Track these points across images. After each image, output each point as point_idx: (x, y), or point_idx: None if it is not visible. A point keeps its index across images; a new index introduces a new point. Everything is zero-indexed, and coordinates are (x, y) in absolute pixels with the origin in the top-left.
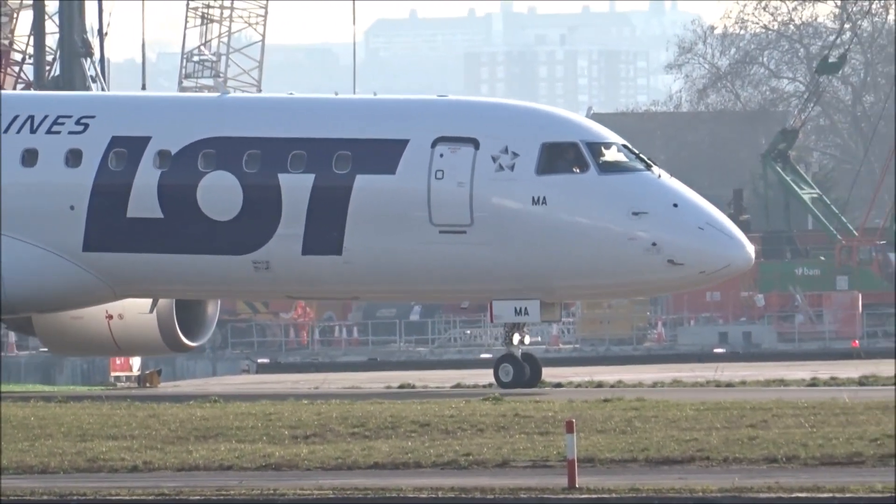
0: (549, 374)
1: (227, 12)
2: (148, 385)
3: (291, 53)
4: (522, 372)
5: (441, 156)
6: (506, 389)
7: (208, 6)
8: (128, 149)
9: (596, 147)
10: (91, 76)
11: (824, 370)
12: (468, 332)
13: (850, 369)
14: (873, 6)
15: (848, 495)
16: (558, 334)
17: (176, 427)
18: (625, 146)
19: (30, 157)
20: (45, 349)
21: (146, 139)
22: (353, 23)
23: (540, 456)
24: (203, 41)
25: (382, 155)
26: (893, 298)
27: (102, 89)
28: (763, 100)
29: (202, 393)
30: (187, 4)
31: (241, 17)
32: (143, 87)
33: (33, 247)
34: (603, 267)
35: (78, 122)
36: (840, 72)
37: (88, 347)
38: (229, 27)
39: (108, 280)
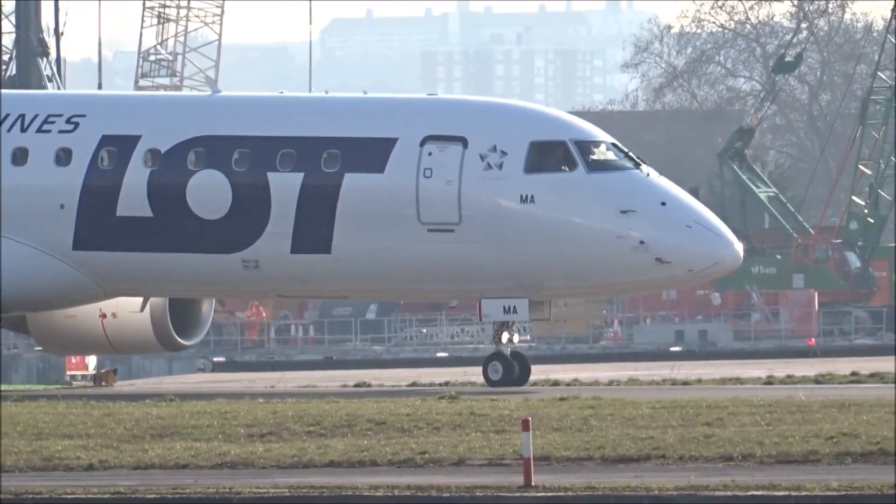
0: None
1: (183, 12)
2: (104, 384)
3: (248, 52)
4: (512, 370)
5: (430, 154)
6: (496, 388)
7: (164, 6)
8: (118, 147)
9: (584, 145)
10: (47, 75)
11: (780, 368)
12: (424, 330)
13: (807, 367)
14: (829, 5)
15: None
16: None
17: (132, 426)
18: (614, 144)
19: (20, 156)
20: (39, 348)
21: (136, 138)
22: (310, 22)
23: (496, 454)
24: (159, 40)
25: (371, 153)
26: (849, 297)
27: (58, 88)
28: (719, 99)
29: (158, 392)
30: (143, 4)
31: (198, 16)
32: (100, 87)
33: (24, 246)
34: (591, 265)
35: (68, 121)
36: (796, 71)
37: (82, 346)
38: (186, 26)
39: (99, 279)
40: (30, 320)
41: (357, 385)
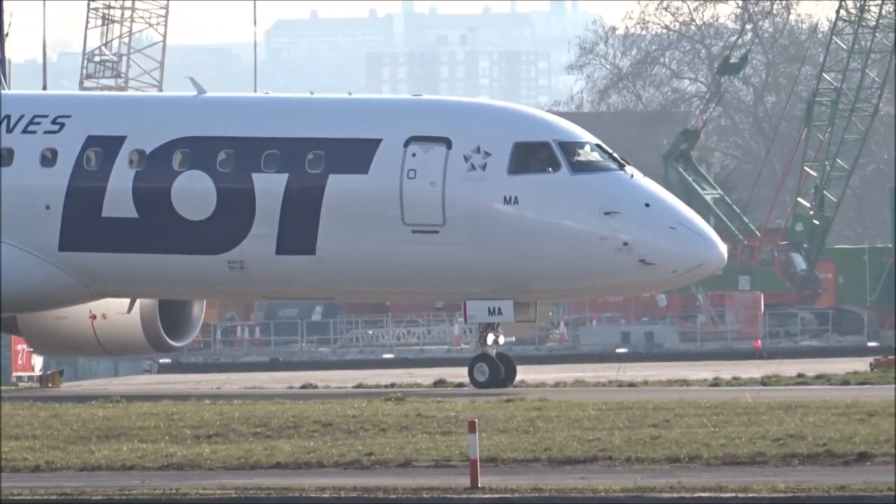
0: (450, 374)
1: (128, 13)
2: (50, 385)
3: (192, 54)
4: (498, 372)
5: (413, 155)
6: (482, 389)
7: (109, 7)
8: (103, 148)
9: (568, 146)
10: None
11: (726, 370)
12: (370, 332)
13: (753, 369)
14: (774, 7)
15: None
16: (460, 334)
17: (78, 427)
18: (598, 146)
19: (6, 157)
20: (31, 349)
21: (121, 139)
22: (254, 23)
23: (442, 456)
24: (104, 41)
25: (355, 154)
26: (795, 298)
27: (2, 90)
28: (664, 100)
29: (104, 393)
30: (88, 5)
31: (142, 17)
32: (44, 88)
33: (10, 246)
34: (575, 267)
35: (54, 122)
36: (741, 72)
37: (73, 347)
38: (130, 27)
39: (84, 280)
40: (20, 322)
41: (303, 386)
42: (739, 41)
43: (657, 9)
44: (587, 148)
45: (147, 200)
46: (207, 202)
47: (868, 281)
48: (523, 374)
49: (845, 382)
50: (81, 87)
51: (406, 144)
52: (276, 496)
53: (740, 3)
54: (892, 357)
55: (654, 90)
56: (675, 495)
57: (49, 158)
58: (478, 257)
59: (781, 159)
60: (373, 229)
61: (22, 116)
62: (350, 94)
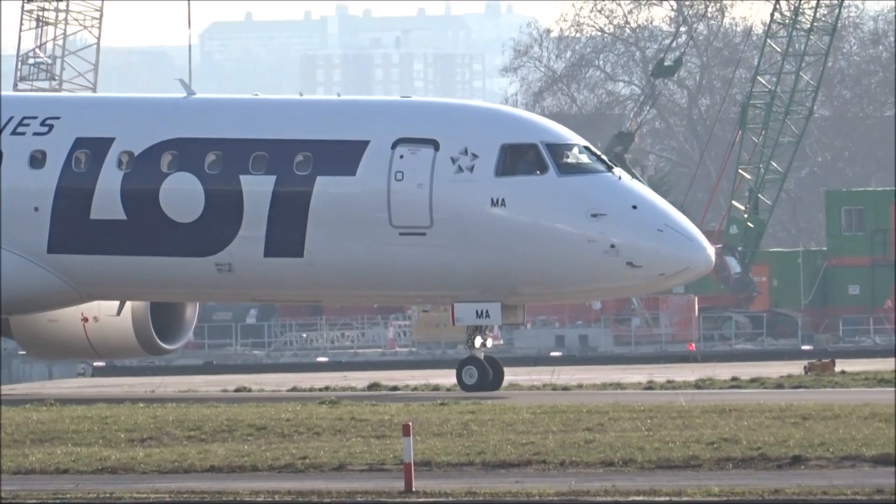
0: (384, 377)
1: (62, 15)
2: None
3: (127, 56)
4: (486, 374)
5: (401, 157)
6: (470, 392)
7: (43, 9)
8: (92, 150)
9: (556, 148)
10: None
11: (661, 373)
12: (304, 335)
13: (687, 373)
14: (709, 10)
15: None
16: (394, 337)
17: (12, 431)
18: (586, 147)
19: None
20: (24, 352)
21: (110, 140)
22: (189, 25)
23: (377, 459)
24: (38, 44)
25: (343, 156)
26: (729, 301)
27: None
28: (599, 103)
29: (38, 396)
30: (22, 7)
31: (76, 19)
32: None
33: None
34: (562, 269)
35: (43, 124)
36: (676, 75)
37: (65, 350)
38: (64, 30)
39: (73, 282)
40: (13, 324)
41: (237, 390)
42: (674, 44)
43: (592, 11)
44: (575, 150)
45: (135, 202)
46: (195, 204)
47: (802, 284)
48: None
49: (779, 386)
50: (15, 89)
51: (394, 146)
52: (209, 500)
53: (675, 6)
54: (826, 360)
55: (588, 93)
56: (609, 499)
57: (38, 160)
58: (465, 259)
59: (716, 162)
60: (361, 231)
61: (11, 118)
62: (339, 95)
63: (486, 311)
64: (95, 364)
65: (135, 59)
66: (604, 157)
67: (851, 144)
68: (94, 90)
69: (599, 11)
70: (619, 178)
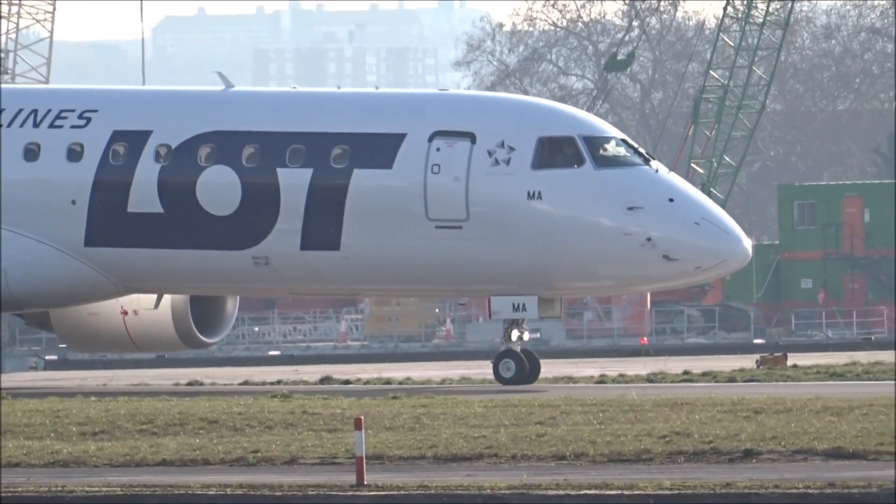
0: (336, 370)
1: (14, 9)
2: None
3: (80, 50)
4: (523, 367)
5: (438, 150)
6: (507, 385)
7: None
8: (129, 143)
9: (593, 141)
10: None
11: (613, 367)
12: (256, 329)
13: (639, 366)
14: (661, 4)
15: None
16: (346, 331)
17: None
18: (624, 140)
19: (32, 152)
20: (63, 345)
21: (147, 133)
22: (141, 20)
23: (328, 453)
24: None
25: (380, 149)
26: (681, 295)
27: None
28: (552, 97)
29: None
30: None
31: (29, 13)
32: None
33: (36, 242)
34: (598, 262)
35: (80, 117)
36: (628, 69)
37: (104, 343)
38: (17, 24)
39: (111, 275)
40: (53, 318)
41: (189, 383)
42: (626, 38)
43: (545, 6)
44: (612, 143)
45: (172, 195)
46: (232, 197)
47: (755, 278)
48: (411, 371)
49: (731, 380)
50: None
51: (430, 139)
52: (161, 493)
53: (627, 1)
54: (778, 354)
55: (541, 87)
56: (560, 492)
57: (76, 153)
58: (501, 253)
59: (668, 156)
60: (397, 225)
61: (49, 111)
62: (377, 88)
63: (523, 305)
64: (47, 357)
65: (88, 53)
66: (641, 149)
67: (804, 138)
68: (47, 84)
69: (552, 6)
70: (657, 170)
